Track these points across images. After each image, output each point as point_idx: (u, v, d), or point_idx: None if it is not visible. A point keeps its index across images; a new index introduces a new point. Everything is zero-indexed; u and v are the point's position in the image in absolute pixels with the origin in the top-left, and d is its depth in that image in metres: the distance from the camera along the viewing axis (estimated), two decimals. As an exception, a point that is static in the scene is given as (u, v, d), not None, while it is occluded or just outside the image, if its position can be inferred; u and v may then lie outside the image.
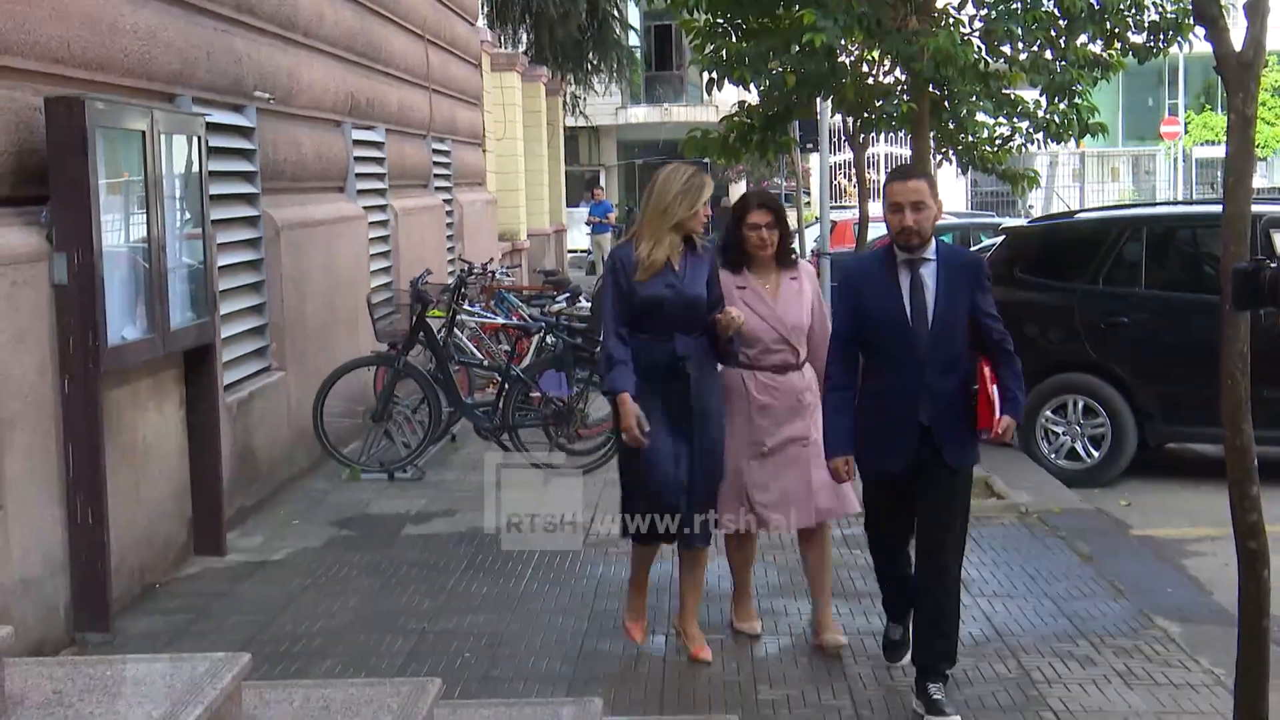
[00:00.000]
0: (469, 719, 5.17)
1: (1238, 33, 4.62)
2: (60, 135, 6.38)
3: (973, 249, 12.73)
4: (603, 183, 43.48)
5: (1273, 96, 41.53)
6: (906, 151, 14.12)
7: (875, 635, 6.37)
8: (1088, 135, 10.41)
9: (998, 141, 10.78)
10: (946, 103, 10.07)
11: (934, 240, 5.63)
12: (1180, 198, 36.52)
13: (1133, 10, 9.68)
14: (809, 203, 27.44)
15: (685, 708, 5.81)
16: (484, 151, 20.15)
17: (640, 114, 46.59)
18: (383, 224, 13.03)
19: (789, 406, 6.29)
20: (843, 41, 9.17)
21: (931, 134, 9.91)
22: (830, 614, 6.51)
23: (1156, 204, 21.03)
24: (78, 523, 6.49)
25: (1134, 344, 10.51)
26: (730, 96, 12.06)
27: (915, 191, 5.54)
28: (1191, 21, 9.40)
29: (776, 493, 6.30)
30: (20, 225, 6.34)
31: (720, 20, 9.83)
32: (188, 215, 7.80)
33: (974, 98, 10.06)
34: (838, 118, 14.53)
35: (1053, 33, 9.62)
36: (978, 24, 9.64)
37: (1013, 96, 10.26)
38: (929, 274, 5.57)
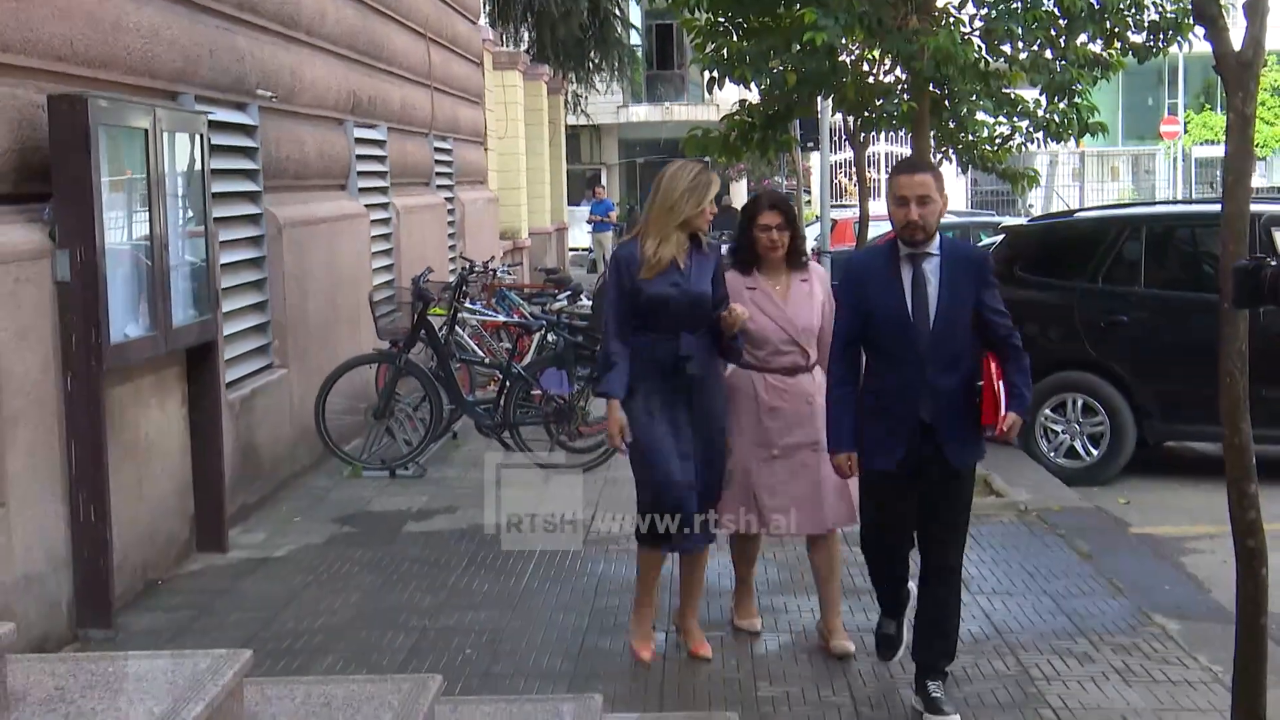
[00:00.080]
0: (470, 716, 5.17)
1: (1237, 32, 4.63)
2: (63, 133, 6.39)
3: (973, 248, 12.70)
4: (604, 181, 43.52)
5: (1272, 96, 41.55)
6: (907, 150, 14.14)
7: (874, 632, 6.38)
8: (1087, 134, 10.41)
9: (998, 140, 10.78)
10: (947, 102, 10.07)
11: (938, 235, 5.54)
12: (1180, 197, 36.56)
13: (1133, 10, 9.68)
14: (809, 201, 27.47)
15: (685, 704, 5.82)
16: (485, 150, 20.17)
17: (641, 113, 46.61)
18: (384, 222, 13.05)
19: (799, 409, 6.23)
20: (843, 40, 9.17)
21: (932, 133, 9.92)
22: (839, 620, 6.47)
23: (1156, 203, 21.04)
24: (80, 519, 6.51)
25: (1133, 343, 10.53)
26: (731, 95, 12.07)
27: (921, 185, 5.43)
28: (1191, 21, 9.41)
29: (785, 497, 6.26)
30: (23, 222, 6.35)
31: (721, 19, 9.84)
32: (190, 213, 7.82)
33: (974, 97, 10.06)
34: (838, 116, 14.52)
35: (1053, 32, 9.63)
36: (978, 23, 9.65)
37: (1013, 96, 10.26)
38: (932, 269, 5.48)
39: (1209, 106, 44.90)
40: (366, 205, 12.34)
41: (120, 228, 6.88)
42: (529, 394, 10.47)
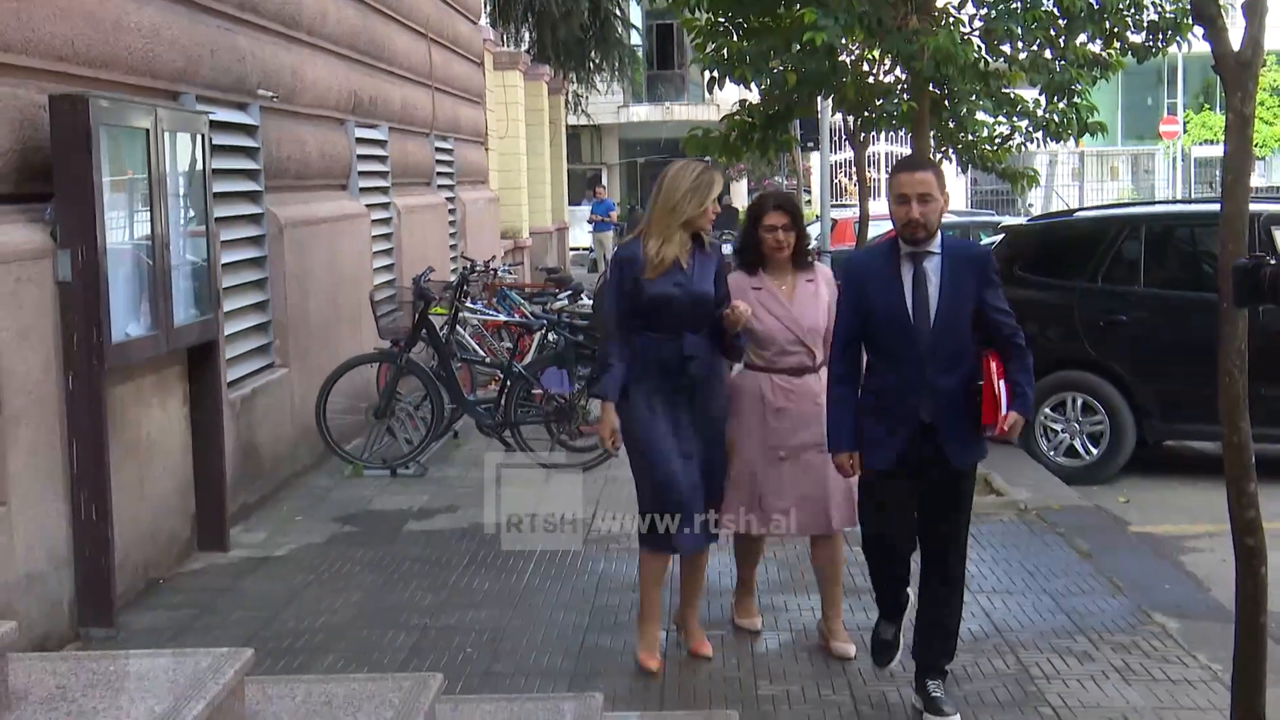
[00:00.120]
0: (470, 714, 5.18)
1: (1236, 32, 4.63)
2: (64, 133, 6.40)
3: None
4: (604, 181, 43.54)
5: (1271, 96, 41.55)
6: (907, 150, 14.15)
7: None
8: (1087, 134, 10.42)
9: (997, 140, 10.79)
10: (946, 101, 10.08)
11: (940, 234, 5.48)
12: (1179, 196, 36.56)
13: (1132, 10, 9.70)
14: (810, 201, 27.50)
15: (685, 703, 5.83)
16: (486, 150, 20.18)
17: (642, 112, 46.62)
18: (385, 222, 13.06)
19: (805, 410, 6.18)
20: (843, 40, 9.18)
21: (931, 133, 9.93)
22: (841, 623, 6.47)
23: (1155, 203, 21.04)
24: (82, 518, 6.52)
25: (1133, 342, 10.55)
26: (731, 95, 12.08)
27: (922, 183, 5.38)
28: (1190, 21, 9.43)
29: (791, 497, 6.24)
30: (24, 222, 6.36)
31: (721, 19, 9.85)
32: (191, 213, 7.83)
33: (974, 97, 10.07)
34: (838, 116, 14.54)
35: (1052, 32, 9.64)
36: (978, 23, 9.66)
37: (1012, 95, 10.27)
38: (933, 268, 5.43)
39: (1208, 106, 44.90)
40: (367, 205, 12.35)
41: (122, 227, 6.89)
42: (530, 393, 10.48)
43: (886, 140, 29.87)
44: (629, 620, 6.75)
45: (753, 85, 9.88)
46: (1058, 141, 10.49)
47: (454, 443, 11.20)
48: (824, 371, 6.19)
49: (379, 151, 12.91)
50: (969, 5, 9.70)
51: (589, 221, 34.37)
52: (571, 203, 35.30)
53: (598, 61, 32.91)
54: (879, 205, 12.20)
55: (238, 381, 8.98)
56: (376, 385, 10.90)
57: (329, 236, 11.00)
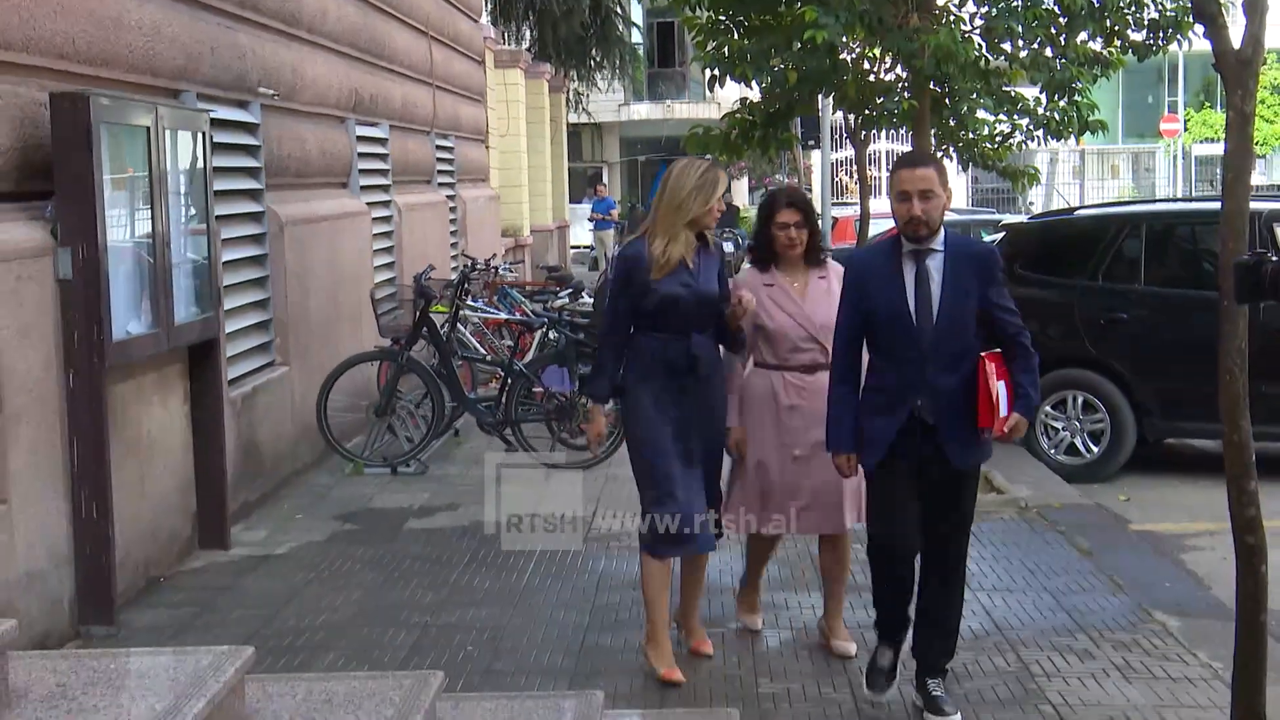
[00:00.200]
0: (471, 712, 5.18)
1: (1236, 30, 4.64)
2: (65, 131, 6.40)
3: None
4: (605, 179, 43.54)
5: (1271, 94, 41.54)
6: (907, 148, 14.16)
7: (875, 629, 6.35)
8: (1088, 132, 10.42)
9: (998, 138, 10.80)
10: (947, 100, 10.08)
11: (943, 231, 5.42)
12: (1180, 195, 36.57)
13: (1132, 8, 9.70)
14: (810, 199, 27.49)
15: (686, 701, 5.83)
16: (487, 148, 20.18)
17: (643, 111, 46.61)
18: (386, 220, 13.07)
19: (818, 407, 6.03)
20: (844, 39, 9.18)
21: (932, 131, 9.94)
22: (842, 621, 6.47)
23: (1156, 201, 21.04)
24: (82, 517, 6.52)
25: (1133, 340, 10.54)
26: (732, 93, 12.10)
27: (924, 179, 5.32)
28: (1191, 19, 9.43)
29: (808, 496, 6.20)
30: (25, 220, 6.37)
31: (722, 17, 9.86)
32: (192, 211, 7.83)
33: (975, 95, 10.07)
34: (839, 114, 14.52)
35: (1053, 30, 9.64)
36: (978, 21, 9.67)
37: (1013, 93, 10.28)
38: (935, 266, 5.37)
39: (1209, 104, 44.90)
40: (368, 203, 12.36)
41: (122, 225, 6.89)
42: (530, 391, 10.49)
43: (887, 138, 29.87)
44: (629, 618, 6.76)
45: (754, 83, 9.89)
46: (1058, 139, 10.50)
47: (455, 441, 11.20)
48: None
49: (380, 149, 12.91)
50: (969, 3, 9.71)
51: (590, 220, 34.39)
52: (572, 201, 35.29)
53: (598, 59, 32.90)
54: (880, 203, 12.20)
55: (238, 379, 8.98)
56: (377, 383, 10.91)
57: (329, 234, 11.00)
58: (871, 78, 10.26)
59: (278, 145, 9.91)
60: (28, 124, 6.42)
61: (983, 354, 5.37)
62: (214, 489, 8.10)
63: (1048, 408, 10.63)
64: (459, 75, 17.22)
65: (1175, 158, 42.54)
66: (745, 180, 42.35)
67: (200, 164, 7.87)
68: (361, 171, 12.25)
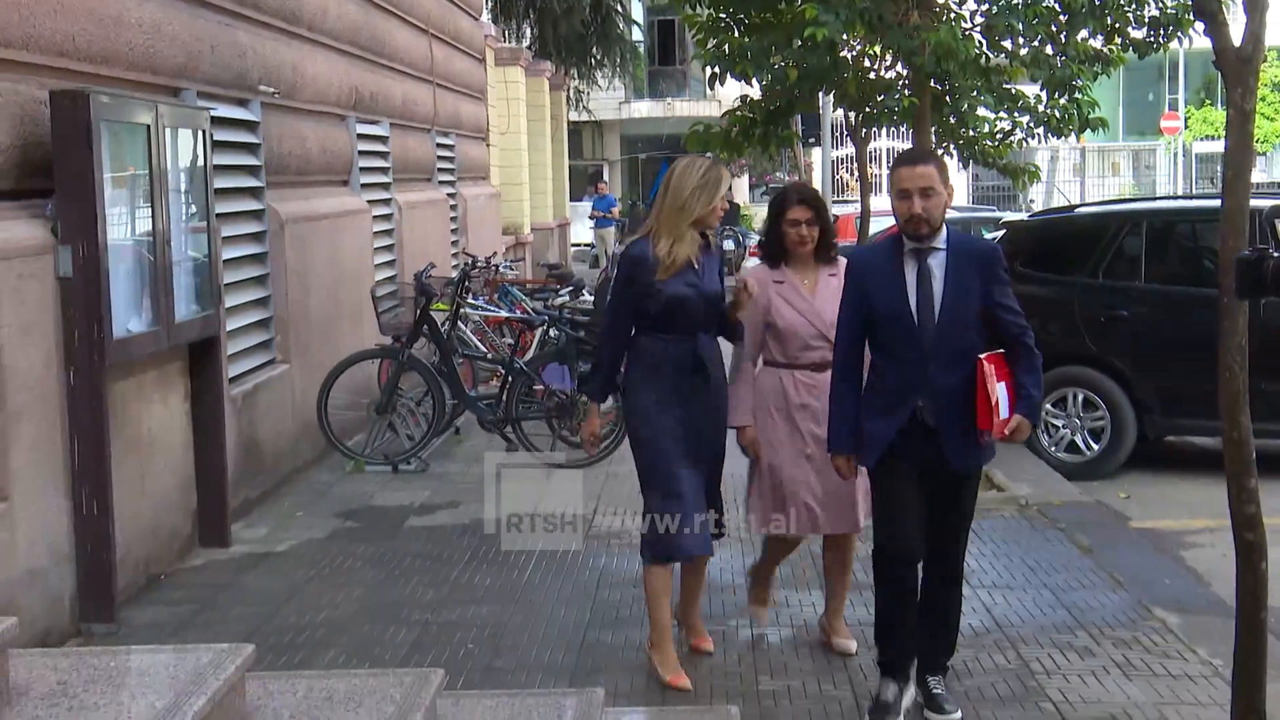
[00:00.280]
0: (472, 709, 5.18)
1: (1237, 28, 4.64)
2: (65, 129, 6.40)
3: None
4: (606, 177, 43.53)
5: (1272, 91, 41.56)
6: (908, 146, 14.15)
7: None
8: (1088, 130, 10.41)
9: (998, 136, 10.79)
10: (948, 97, 10.08)
11: (945, 229, 5.37)
12: (1180, 192, 36.58)
13: (1133, 5, 9.69)
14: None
15: (686, 699, 5.82)
16: (488, 146, 20.19)
17: (643, 108, 46.55)
18: (387, 218, 13.07)
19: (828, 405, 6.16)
20: (844, 36, 9.17)
21: (933, 128, 9.93)
22: (842, 618, 6.47)
23: (1156, 198, 21.05)
24: (83, 514, 6.52)
25: (1133, 337, 10.54)
26: (733, 91, 12.09)
27: (924, 177, 5.26)
28: (1191, 17, 9.42)
29: (822, 495, 6.16)
30: (26, 218, 6.37)
31: (723, 15, 9.85)
32: (192, 209, 7.83)
33: (975, 92, 10.07)
34: (840, 112, 14.53)
35: (1053, 28, 9.63)
36: (979, 19, 9.66)
37: (1013, 91, 10.27)
38: (937, 265, 5.32)
39: (1209, 102, 44.90)
40: (369, 201, 12.36)
41: (123, 223, 6.90)
42: (531, 389, 10.49)
43: (888, 136, 29.88)
44: (630, 616, 6.76)
45: (754, 81, 9.88)
46: (1059, 137, 10.49)
47: (455, 438, 11.21)
48: None
49: (380, 147, 12.92)
50: (970, 1, 9.69)
51: (590, 217, 34.41)
52: (573, 198, 35.32)
53: (599, 57, 32.90)
54: (881, 201, 12.20)
55: (239, 377, 8.99)
56: (378, 381, 10.91)
57: (330, 232, 11.01)
58: (872, 75, 10.25)
59: (278, 143, 9.91)
60: (28, 122, 6.42)
61: (982, 355, 5.31)
62: (214, 486, 8.11)
63: (1048, 405, 10.63)
64: (459, 73, 17.22)
65: (1176, 155, 42.54)
66: (746, 178, 42.35)
67: (200, 162, 7.88)
68: (362, 169, 12.25)
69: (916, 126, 9.54)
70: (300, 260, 10.09)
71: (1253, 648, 4.69)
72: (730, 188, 6.43)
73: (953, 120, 10.49)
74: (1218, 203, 4.86)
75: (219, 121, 8.56)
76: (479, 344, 11.90)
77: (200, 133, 7.88)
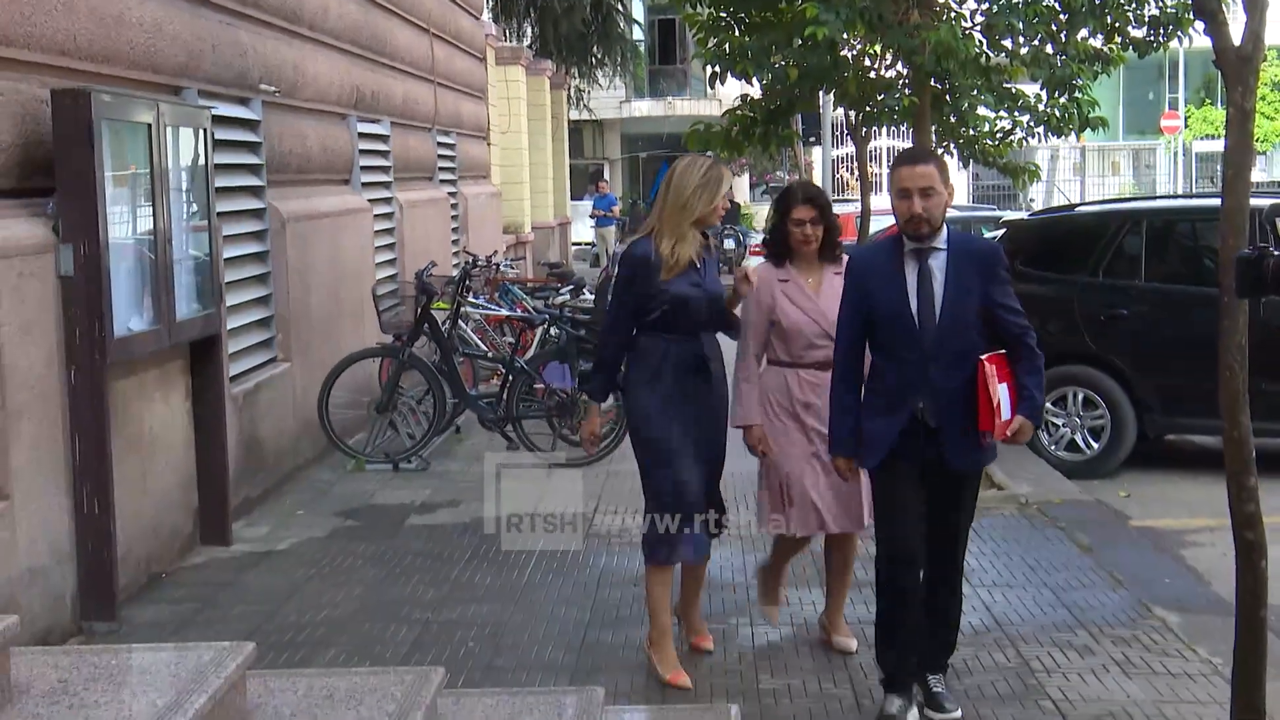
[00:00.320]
0: (472, 708, 5.18)
1: (1237, 27, 4.64)
2: (66, 127, 6.41)
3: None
4: (606, 176, 43.49)
5: (1272, 91, 41.57)
6: (908, 145, 14.16)
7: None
8: (1088, 129, 10.41)
9: (999, 135, 10.79)
10: (948, 96, 10.08)
11: (946, 228, 5.34)
12: (1180, 191, 36.58)
13: (1133, 5, 9.70)
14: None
15: (686, 697, 5.83)
16: (488, 145, 20.19)
17: (644, 107, 46.54)
18: (388, 216, 13.07)
19: None
20: (844, 35, 9.17)
21: (933, 127, 9.94)
22: (843, 617, 6.46)
23: (1156, 197, 21.04)
24: (84, 513, 6.53)
25: (1133, 336, 10.54)
26: (733, 90, 12.11)
27: (924, 177, 5.23)
28: (1191, 16, 9.43)
29: (827, 495, 6.14)
30: (27, 217, 6.37)
31: (723, 14, 9.86)
32: (194, 207, 7.84)
33: (975, 91, 10.07)
34: (840, 111, 14.55)
35: (1053, 27, 9.64)
36: (979, 18, 9.66)
37: (1014, 90, 10.28)
38: (938, 265, 5.29)
39: (1209, 101, 44.90)
40: (370, 200, 12.37)
41: (124, 222, 6.90)
42: (532, 388, 10.50)
43: (888, 135, 29.87)
44: (630, 615, 6.77)
45: (754, 80, 9.89)
46: (1059, 136, 10.49)
47: (456, 437, 11.21)
48: None
49: (381, 146, 12.92)
50: (970, 0, 9.70)
51: (591, 216, 34.41)
52: (573, 198, 35.31)
53: (600, 56, 32.89)
54: (881, 200, 12.21)
55: (240, 376, 8.99)
56: (379, 380, 10.92)
57: (331, 231, 11.01)
58: (872, 74, 10.25)
59: (279, 142, 9.92)
60: (29, 121, 6.43)
61: (983, 356, 5.28)
62: (215, 485, 8.12)
63: (1048, 404, 10.62)
64: (460, 72, 17.22)
65: (1176, 154, 42.56)
66: (746, 177, 42.34)
67: (202, 161, 7.88)
68: (363, 168, 12.26)
69: (916, 125, 9.54)
70: (301, 259, 10.10)
71: (1252, 646, 4.70)
72: (731, 187, 6.42)
73: (953, 119, 10.50)
74: (1218, 202, 4.86)
75: (220, 120, 8.57)
76: (480, 343, 11.91)
77: (201, 131, 7.88)
